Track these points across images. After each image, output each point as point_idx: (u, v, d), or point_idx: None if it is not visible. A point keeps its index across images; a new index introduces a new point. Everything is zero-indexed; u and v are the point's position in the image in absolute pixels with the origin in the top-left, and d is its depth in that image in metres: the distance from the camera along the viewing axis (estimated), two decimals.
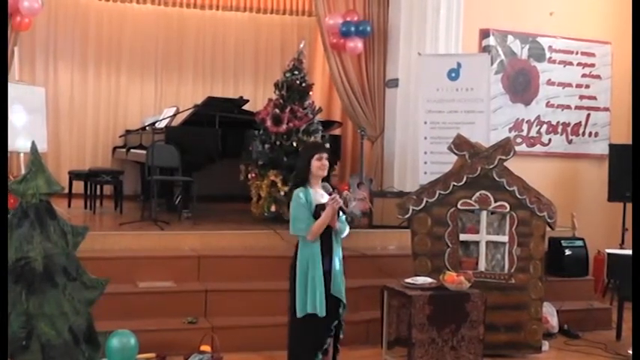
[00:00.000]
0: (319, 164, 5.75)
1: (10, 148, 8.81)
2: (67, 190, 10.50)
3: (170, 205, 10.68)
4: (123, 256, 8.02)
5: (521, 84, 11.02)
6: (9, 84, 8.98)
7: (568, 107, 11.32)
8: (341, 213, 5.83)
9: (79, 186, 11.23)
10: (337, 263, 5.74)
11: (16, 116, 8.80)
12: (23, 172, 7.01)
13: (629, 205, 10.50)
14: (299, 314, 5.65)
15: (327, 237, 5.70)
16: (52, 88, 12.67)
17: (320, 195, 5.75)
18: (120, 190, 11.20)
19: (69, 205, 10.80)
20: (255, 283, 7.92)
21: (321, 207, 5.64)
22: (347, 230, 5.86)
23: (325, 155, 5.81)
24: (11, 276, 6.20)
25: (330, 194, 5.70)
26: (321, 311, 5.60)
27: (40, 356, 6.10)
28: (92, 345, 6.49)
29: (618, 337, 8.40)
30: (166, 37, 13.62)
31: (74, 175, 11.32)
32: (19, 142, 8.56)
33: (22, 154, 9.40)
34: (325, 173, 5.81)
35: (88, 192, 11.16)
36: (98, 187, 11.20)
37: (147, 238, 8.62)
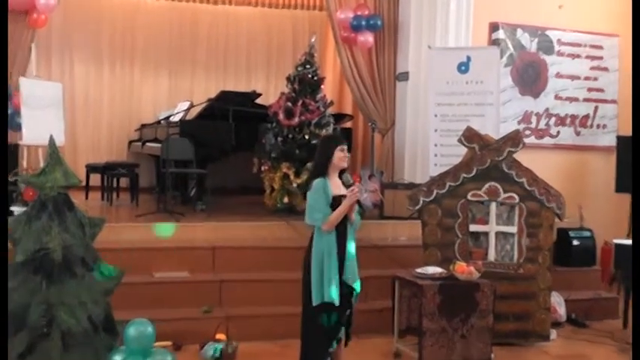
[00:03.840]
0: (342, 155, 5.75)
1: (28, 142, 8.90)
2: (84, 183, 10.55)
3: (185, 197, 10.72)
4: (139, 247, 8.06)
5: (530, 77, 11.01)
6: (27, 79, 9.10)
7: (576, 100, 11.30)
8: (357, 205, 5.87)
9: (95, 179, 11.29)
10: (351, 253, 5.77)
11: (33, 111, 8.84)
12: (42, 165, 7.06)
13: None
14: (315, 302, 5.63)
15: (342, 228, 5.71)
16: (69, 83, 12.71)
17: (337, 186, 5.75)
18: (136, 183, 11.26)
19: (86, 198, 10.86)
20: (268, 273, 7.96)
21: (338, 198, 5.65)
22: (358, 223, 5.89)
23: (346, 147, 5.85)
24: (30, 266, 6.26)
25: (348, 186, 5.72)
26: (336, 300, 5.64)
27: (60, 344, 6.15)
28: (110, 333, 6.54)
29: (625, 325, 8.41)
30: (179, 32, 13.66)
31: (91, 168, 11.39)
32: (37, 136, 8.60)
33: (40, 148, 9.46)
34: (345, 164, 5.83)
35: (105, 184, 11.23)
36: (114, 179, 11.28)
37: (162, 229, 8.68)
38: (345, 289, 5.71)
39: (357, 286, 5.79)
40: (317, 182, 5.72)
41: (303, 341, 5.85)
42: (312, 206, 5.70)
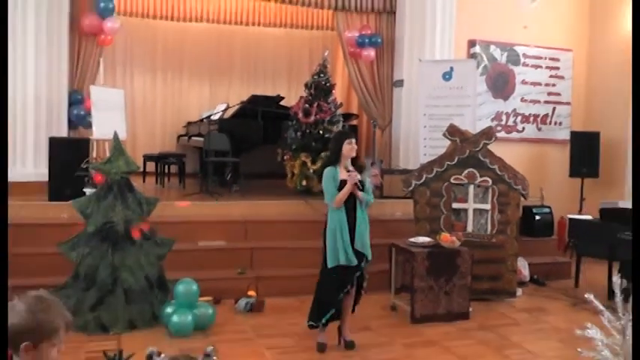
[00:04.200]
0: (349, 147, 5.77)
1: (97, 137, 8.89)
2: (141, 170, 10.54)
3: (222, 181, 10.69)
4: (186, 221, 8.04)
5: (501, 83, 10.95)
6: (96, 87, 9.09)
7: (538, 102, 11.25)
8: (369, 185, 5.85)
9: (151, 166, 11.28)
10: (361, 225, 5.73)
11: (101, 112, 8.83)
12: (108, 155, 7.04)
13: (587, 180, 10.50)
14: (330, 265, 5.69)
15: (351, 205, 5.71)
16: (129, 89, 12.71)
17: (347, 173, 5.75)
18: (183, 169, 11.25)
19: (143, 181, 10.84)
20: (290, 242, 7.93)
21: (344, 182, 5.67)
22: (371, 199, 5.84)
23: (354, 140, 5.84)
24: (99, 236, 6.27)
25: (349, 171, 5.71)
26: (351, 261, 5.66)
27: (123, 299, 6.16)
28: (163, 290, 6.55)
29: (576, 285, 8.38)
30: (218, 48, 13.62)
31: (147, 158, 11.38)
32: (104, 132, 8.58)
33: (106, 142, 9.45)
34: (354, 154, 5.82)
35: (158, 171, 11.23)
36: (166, 166, 11.27)
37: (204, 206, 8.66)
38: (356, 254, 5.70)
39: (367, 253, 5.77)
40: (327, 171, 5.81)
41: (318, 292, 5.88)
42: (325, 190, 5.80)
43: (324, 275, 5.80)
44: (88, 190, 7.58)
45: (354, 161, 5.88)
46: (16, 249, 7.06)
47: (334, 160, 5.84)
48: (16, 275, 6.31)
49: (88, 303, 6.12)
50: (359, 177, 5.70)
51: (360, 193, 5.71)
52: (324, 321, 5.81)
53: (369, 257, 5.83)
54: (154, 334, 6.05)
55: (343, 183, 5.67)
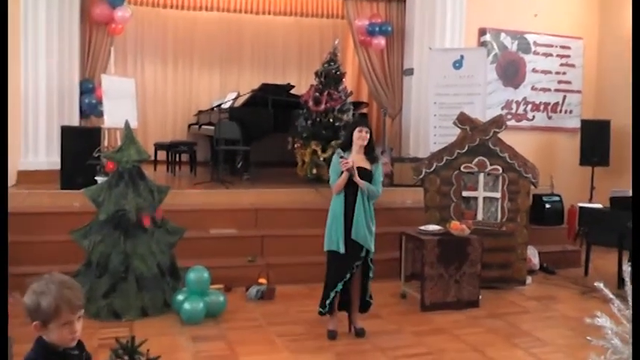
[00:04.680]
0: (358, 135, 5.76)
1: (108, 125, 8.92)
2: (153, 158, 10.57)
3: (233, 169, 10.70)
4: (197, 209, 8.06)
5: (511, 72, 10.89)
6: (107, 76, 9.11)
7: (548, 90, 11.20)
8: (379, 177, 5.85)
9: (162, 154, 11.30)
10: (360, 215, 5.70)
11: (112, 101, 8.86)
12: (119, 144, 7.07)
13: (597, 168, 10.45)
14: (325, 249, 5.79)
15: (351, 193, 5.70)
16: (140, 78, 12.72)
17: (359, 160, 5.76)
18: (194, 158, 11.28)
19: (154, 169, 10.87)
20: (300, 229, 7.94)
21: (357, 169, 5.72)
22: (376, 192, 5.81)
23: (365, 129, 5.79)
24: (111, 224, 6.30)
25: (341, 157, 5.73)
26: (340, 249, 5.68)
27: (135, 286, 6.19)
28: (175, 277, 6.58)
29: (586, 273, 8.36)
30: (228, 37, 13.59)
31: (158, 146, 11.41)
32: (115, 121, 8.61)
33: (118, 130, 9.47)
34: (364, 143, 5.78)
35: (169, 159, 11.26)
36: (177, 155, 11.30)
37: (215, 194, 8.68)
38: (353, 244, 5.70)
39: (366, 244, 5.75)
40: (334, 156, 5.87)
41: (325, 280, 5.93)
42: (330, 174, 5.88)
43: (327, 261, 5.87)
44: (99, 179, 7.62)
45: (369, 152, 5.87)
46: (29, 237, 7.11)
47: (345, 146, 5.90)
48: (29, 263, 6.38)
49: (101, 290, 6.16)
50: (351, 164, 5.65)
51: (361, 182, 5.68)
52: (327, 307, 5.84)
53: (370, 248, 5.79)
54: (165, 321, 6.10)
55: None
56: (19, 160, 8.62)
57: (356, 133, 5.78)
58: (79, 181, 7.60)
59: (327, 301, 5.81)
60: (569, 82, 11.33)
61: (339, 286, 5.76)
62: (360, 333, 5.89)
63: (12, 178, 8.42)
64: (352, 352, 5.53)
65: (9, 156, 8.11)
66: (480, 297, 6.99)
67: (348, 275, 5.76)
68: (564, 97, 11.33)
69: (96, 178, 7.74)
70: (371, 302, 6.03)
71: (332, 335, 5.82)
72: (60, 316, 2.40)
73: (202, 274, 6.31)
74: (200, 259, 6.75)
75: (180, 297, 6.21)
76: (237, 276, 7.22)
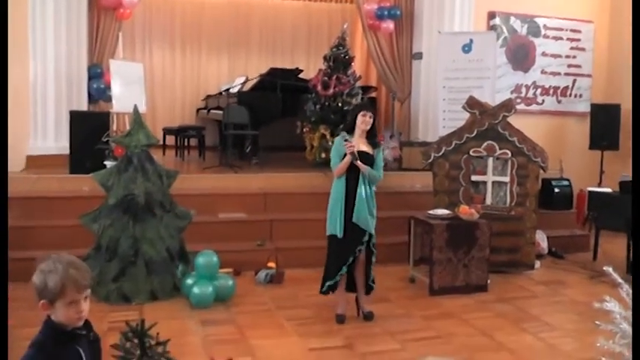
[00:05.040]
0: (362, 119, 5.75)
1: (117, 110, 8.94)
2: (161, 143, 10.59)
3: (242, 154, 10.71)
4: (206, 193, 8.08)
5: (521, 56, 10.85)
6: (115, 61, 9.11)
7: (558, 74, 11.15)
8: (380, 162, 5.85)
9: (170, 139, 11.33)
10: (362, 199, 5.70)
11: (121, 86, 8.86)
12: (128, 128, 7.08)
13: (606, 153, 10.40)
14: (327, 232, 5.82)
15: (353, 176, 5.70)
16: (148, 63, 12.72)
17: (362, 144, 5.75)
18: (203, 142, 11.29)
19: (163, 154, 10.89)
20: (309, 213, 7.93)
21: (359, 153, 5.69)
22: (378, 176, 5.80)
23: (369, 114, 5.79)
24: (120, 208, 6.32)
25: (345, 140, 5.71)
26: (340, 233, 5.69)
27: (144, 270, 6.22)
28: (184, 262, 6.60)
29: (594, 257, 8.35)
30: (236, 22, 13.57)
31: (167, 131, 11.43)
32: (124, 106, 8.62)
33: (126, 115, 9.49)
34: (367, 127, 5.77)
35: (178, 144, 11.27)
36: (186, 139, 11.32)
37: (224, 179, 8.69)
38: (355, 227, 5.71)
39: (368, 228, 5.75)
40: (337, 139, 5.89)
41: (326, 261, 5.95)
42: (331, 157, 5.87)
43: (328, 244, 5.88)
44: (108, 163, 7.64)
45: (371, 137, 5.86)
46: (38, 221, 7.15)
47: (347, 130, 5.88)
48: (38, 247, 6.40)
49: (111, 274, 6.19)
50: (354, 147, 5.66)
51: (363, 166, 5.67)
52: (324, 289, 5.88)
53: (372, 232, 5.79)
54: (175, 305, 6.13)
55: (357, 154, 5.67)
56: (28, 145, 8.64)
57: (359, 118, 5.77)
58: (88, 165, 7.62)
59: (328, 283, 5.84)
60: (579, 66, 11.27)
61: (344, 269, 5.78)
62: (368, 316, 5.90)
63: (21, 163, 8.45)
64: (361, 335, 5.55)
65: (18, 140, 8.16)
66: (489, 281, 6.99)
67: (351, 259, 5.77)
68: (574, 80, 11.27)
69: (105, 162, 7.76)
70: (373, 286, 6.04)
71: (340, 319, 5.83)
72: (66, 295, 2.43)
73: (211, 258, 6.33)
74: (209, 244, 6.77)
75: (189, 281, 6.23)
76: (246, 260, 7.24)
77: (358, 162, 5.66)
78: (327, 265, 5.91)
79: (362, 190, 5.72)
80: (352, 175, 5.71)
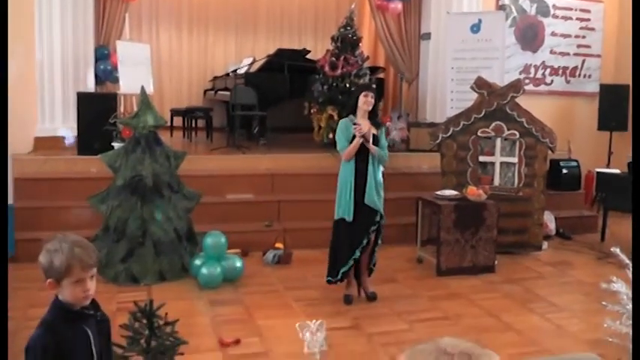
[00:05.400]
0: (364, 100, 5.73)
1: (124, 91, 8.94)
2: (169, 124, 10.58)
3: (249, 135, 10.71)
4: (213, 174, 8.08)
5: (530, 35, 10.77)
6: (122, 42, 9.10)
7: (567, 54, 11.07)
8: (384, 141, 5.83)
9: (178, 120, 11.32)
10: (371, 180, 5.70)
11: (128, 67, 8.86)
12: (135, 109, 7.08)
13: (615, 134, 10.35)
14: (336, 217, 5.78)
15: (362, 158, 5.69)
16: (155, 44, 12.70)
17: (365, 125, 5.72)
18: (210, 123, 11.28)
19: (171, 135, 10.88)
20: (316, 194, 7.94)
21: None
22: (385, 156, 5.79)
23: (371, 94, 5.77)
24: (128, 189, 6.34)
25: (355, 123, 5.68)
26: (349, 217, 5.68)
27: (152, 250, 6.24)
28: (192, 242, 6.63)
29: (602, 239, 8.35)
30: (244, 2, 13.51)
31: (174, 112, 11.42)
32: (131, 87, 8.62)
33: (133, 96, 9.48)
34: (369, 108, 5.75)
35: (185, 125, 11.27)
36: (193, 121, 11.30)
37: (232, 160, 8.70)
38: (366, 209, 5.70)
39: (379, 209, 5.76)
40: (341, 122, 5.85)
41: (331, 247, 5.93)
42: (337, 140, 5.82)
43: (334, 230, 5.86)
44: (116, 145, 7.65)
45: (373, 117, 5.85)
46: (46, 202, 7.18)
47: (350, 111, 5.86)
48: (46, 228, 6.44)
49: (119, 255, 6.22)
50: (365, 129, 5.66)
51: (372, 147, 5.68)
52: (339, 277, 5.86)
53: (382, 212, 5.79)
54: (183, 286, 6.16)
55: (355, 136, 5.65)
56: (35, 127, 8.65)
57: (361, 98, 5.75)
58: (96, 147, 7.63)
59: (343, 270, 5.81)
60: (588, 46, 11.19)
61: (357, 253, 5.77)
62: (371, 297, 5.92)
63: (29, 145, 8.47)
64: (368, 316, 5.57)
65: (25, 122, 8.18)
66: (496, 262, 7.00)
67: (365, 241, 5.78)
68: (583, 61, 11.20)
69: (112, 144, 7.77)
70: (373, 269, 6.06)
71: (348, 300, 5.86)
72: (72, 274, 2.45)
73: (219, 238, 6.35)
74: (217, 224, 6.79)
75: (197, 262, 6.25)
76: (254, 241, 7.27)
77: (370, 144, 5.66)
78: (335, 252, 5.87)
79: (372, 171, 5.72)
80: (361, 156, 5.69)
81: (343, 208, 5.72)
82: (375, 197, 5.72)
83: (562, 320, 5.61)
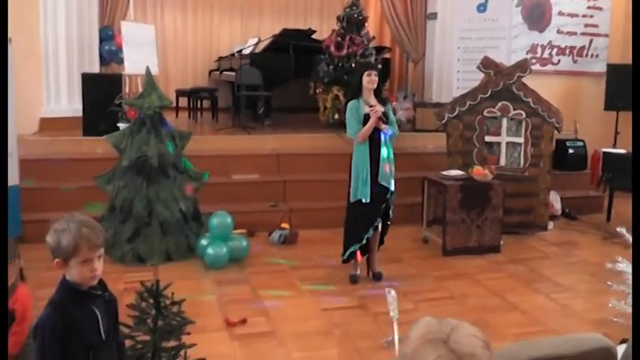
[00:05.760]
0: (368, 79, 5.70)
1: (129, 72, 8.93)
2: (174, 105, 10.59)
3: (255, 115, 10.72)
4: (219, 155, 8.09)
5: (537, 15, 10.70)
6: (127, 23, 9.08)
7: (575, 34, 10.99)
8: (393, 117, 5.83)
9: (183, 101, 11.34)
10: (385, 158, 5.70)
11: (132, 48, 8.85)
12: (140, 90, 7.08)
13: (622, 114, 10.29)
14: (352, 199, 5.74)
15: (374, 139, 5.68)
16: (160, 25, 12.68)
17: (370, 105, 5.72)
18: (215, 104, 11.29)
19: (176, 116, 10.90)
20: (322, 174, 7.96)
21: (368, 116, 5.64)
22: (394, 132, 5.80)
23: (374, 72, 5.75)
24: (134, 170, 6.35)
25: (371, 106, 5.67)
26: (365, 198, 5.66)
27: (159, 230, 6.27)
28: (198, 223, 6.65)
29: (608, 219, 8.34)
30: None
31: (180, 93, 11.43)
32: (136, 68, 8.61)
33: (138, 77, 9.48)
34: (374, 86, 5.73)
35: (191, 105, 11.28)
36: (198, 101, 11.32)
37: (237, 140, 8.72)
38: (380, 189, 5.69)
39: (390, 186, 5.76)
40: (350, 104, 5.80)
41: (345, 229, 5.93)
42: (348, 124, 5.77)
43: (349, 210, 5.85)
44: (121, 125, 7.66)
45: (377, 94, 5.84)
46: (52, 183, 7.20)
47: (356, 93, 5.82)
48: (52, 209, 6.44)
49: (125, 235, 6.25)
50: (382, 109, 5.68)
51: (384, 126, 5.67)
52: (346, 256, 5.89)
53: (392, 189, 5.79)
54: (189, 266, 6.19)
55: (367, 117, 5.63)
56: (41, 108, 8.67)
57: (365, 77, 5.72)
58: (102, 127, 7.64)
59: (357, 246, 5.83)
60: (596, 26, 11.11)
61: (371, 232, 5.79)
62: (377, 277, 5.95)
63: (34, 126, 8.49)
64: (374, 295, 5.58)
65: (31, 103, 8.18)
66: (502, 242, 7.00)
67: (379, 219, 5.80)
68: (591, 40, 11.12)
69: (118, 124, 7.78)
70: (384, 241, 6.09)
71: (354, 279, 5.88)
72: (79, 254, 2.46)
73: (225, 219, 6.37)
74: (223, 205, 6.80)
75: (203, 242, 6.28)
76: (260, 221, 7.29)
77: (383, 125, 5.66)
78: (350, 231, 5.88)
79: (385, 149, 5.72)
80: (373, 137, 5.69)
81: (361, 191, 5.69)
82: (389, 176, 5.74)
83: (567, 300, 5.62)
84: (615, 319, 4.17)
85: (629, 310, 3.40)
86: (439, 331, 1.41)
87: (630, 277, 3.41)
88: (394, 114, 5.83)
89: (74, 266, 2.48)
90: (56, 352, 2.45)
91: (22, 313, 3.34)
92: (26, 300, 3.38)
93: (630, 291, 3.39)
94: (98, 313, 2.57)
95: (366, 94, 5.76)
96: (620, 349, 2.60)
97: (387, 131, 5.69)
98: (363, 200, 5.68)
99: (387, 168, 5.72)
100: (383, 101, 5.85)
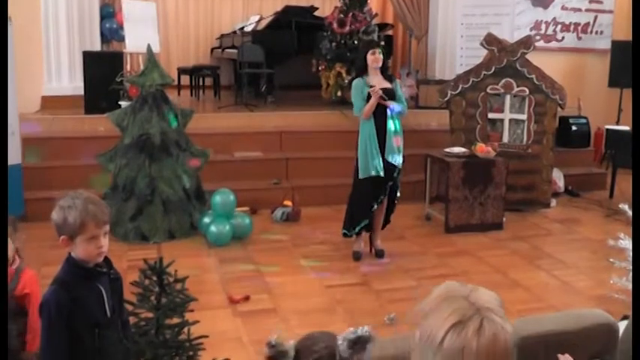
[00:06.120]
0: (373, 58, 5.71)
1: (130, 50, 8.91)
2: (176, 83, 10.56)
3: (257, 92, 10.69)
4: (221, 132, 8.09)
5: None
6: (129, 0, 9.03)
7: (579, 10, 10.93)
8: (401, 93, 5.85)
9: (185, 79, 11.30)
10: (391, 134, 5.70)
11: (133, 25, 8.82)
12: (142, 68, 7.07)
13: (625, 91, 10.26)
14: (361, 176, 5.73)
15: (380, 115, 5.68)
16: (161, 2, 12.54)
17: (378, 83, 5.71)
18: (218, 81, 11.25)
19: (178, 94, 10.86)
20: (325, 152, 7.97)
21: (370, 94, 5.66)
22: (403, 109, 5.80)
23: (378, 51, 5.75)
24: (136, 148, 6.36)
25: (371, 86, 5.67)
26: (379, 172, 5.67)
27: (161, 208, 6.29)
28: (200, 200, 6.67)
29: (611, 196, 8.35)
30: None
31: (181, 70, 11.40)
32: (137, 45, 8.59)
33: (140, 55, 9.46)
34: (379, 65, 5.74)
35: (193, 83, 11.24)
36: (200, 79, 11.27)
37: (240, 118, 8.70)
38: (387, 165, 5.70)
39: (397, 162, 5.76)
40: (355, 82, 5.82)
41: (350, 202, 5.95)
42: (354, 102, 5.79)
43: (356, 186, 5.85)
44: (123, 103, 7.65)
45: (384, 71, 5.84)
46: (54, 162, 7.22)
47: (361, 71, 5.84)
48: (55, 187, 6.47)
49: (128, 213, 6.27)
50: (383, 88, 5.66)
51: (388, 103, 5.67)
52: (357, 230, 5.91)
53: (399, 166, 5.80)
54: (192, 244, 6.22)
55: (370, 95, 5.64)
56: (42, 86, 8.66)
57: (370, 56, 5.72)
58: (103, 105, 7.63)
59: (359, 226, 5.86)
60: (600, 2, 11.03)
61: (375, 207, 5.82)
62: (379, 253, 5.98)
63: (36, 104, 8.48)
64: (377, 272, 5.63)
65: (32, 82, 8.18)
66: (504, 219, 7.02)
67: (383, 196, 5.82)
68: (595, 17, 11.06)
69: (120, 102, 7.78)
70: (390, 220, 6.12)
71: (357, 256, 5.91)
72: (85, 231, 2.46)
73: (228, 196, 6.39)
74: (225, 182, 6.82)
75: (206, 219, 6.30)
76: (263, 198, 7.31)
77: (387, 102, 5.66)
78: (355, 207, 5.90)
79: (391, 125, 5.72)
80: (378, 112, 5.69)
81: (371, 166, 5.68)
82: (395, 153, 5.74)
83: (569, 277, 5.65)
84: (617, 296, 4.20)
85: (630, 286, 3.42)
86: (460, 290, 1.49)
87: (632, 254, 3.42)
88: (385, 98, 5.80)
89: (80, 243, 2.48)
90: (63, 329, 2.46)
91: (34, 301, 3.24)
92: (35, 287, 3.32)
93: (631, 268, 3.41)
94: (104, 290, 2.58)
95: (371, 73, 5.77)
96: (622, 325, 2.62)
97: (393, 106, 5.69)
98: (374, 173, 5.67)
99: (397, 142, 5.74)
100: (389, 78, 5.86)
